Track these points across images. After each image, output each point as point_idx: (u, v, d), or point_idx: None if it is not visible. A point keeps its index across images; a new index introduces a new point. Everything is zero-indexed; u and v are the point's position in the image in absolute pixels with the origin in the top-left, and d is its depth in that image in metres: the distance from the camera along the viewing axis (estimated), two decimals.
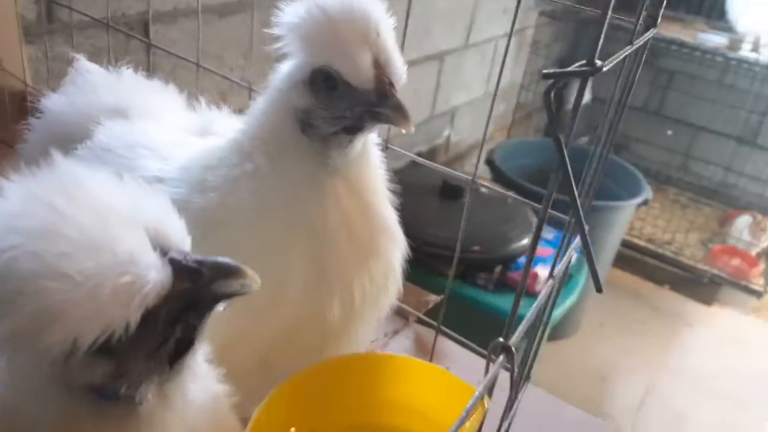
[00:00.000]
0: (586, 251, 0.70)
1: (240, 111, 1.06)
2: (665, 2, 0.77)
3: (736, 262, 4.27)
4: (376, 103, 0.82)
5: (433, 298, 1.42)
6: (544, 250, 2.79)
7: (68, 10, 1.62)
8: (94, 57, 1.39)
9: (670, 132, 4.91)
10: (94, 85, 1.20)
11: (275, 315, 0.88)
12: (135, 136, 1.02)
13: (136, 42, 1.80)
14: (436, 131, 3.74)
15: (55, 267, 0.49)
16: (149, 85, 1.22)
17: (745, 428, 3.38)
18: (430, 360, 1.20)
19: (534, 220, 2.85)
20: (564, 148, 0.56)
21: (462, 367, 1.18)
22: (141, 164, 0.95)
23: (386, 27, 0.84)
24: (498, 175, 3.40)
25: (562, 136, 0.56)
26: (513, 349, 0.58)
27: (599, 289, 0.75)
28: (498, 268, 2.66)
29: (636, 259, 4.31)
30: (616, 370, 3.55)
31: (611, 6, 0.53)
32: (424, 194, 2.80)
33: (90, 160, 0.99)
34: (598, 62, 0.54)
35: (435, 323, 1.24)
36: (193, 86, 1.25)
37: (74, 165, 0.58)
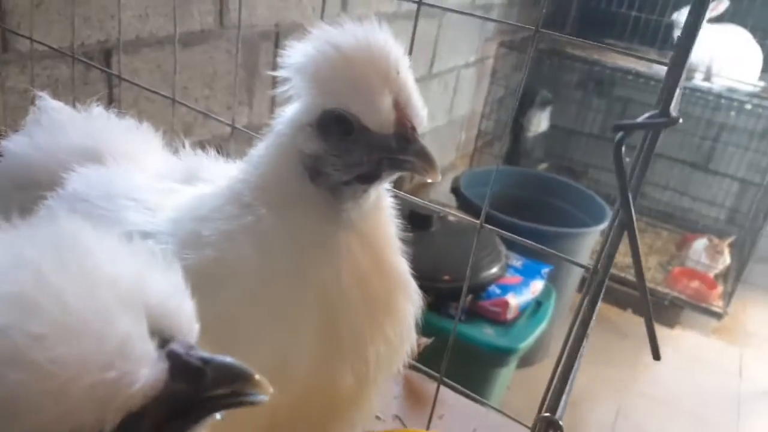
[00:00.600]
0: (647, 318, 0.67)
1: (203, 144, 1.01)
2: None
3: (695, 284, 4.34)
4: (397, 149, 0.75)
5: (423, 341, 1.35)
6: (513, 278, 2.79)
7: (24, 39, 1.55)
8: (52, 89, 1.33)
9: (627, 159, 5.00)
10: (62, 125, 1.10)
11: (281, 388, 0.77)
12: (115, 183, 0.93)
13: (96, 73, 1.74)
14: None
15: (23, 351, 0.39)
16: (123, 124, 1.13)
17: None
18: (431, 410, 1.12)
19: (502, 248, 2.85)
20: (631, 204, 0.53)
21: (457, 414, 1.14)
22: (124, 217, 0.85)
23: (405, 65, 0.77)
24: (464, 203, 3.40)
25: (629, 193, 0.52)
26: (561, 423, 0.54)
27: (657, 357, 0.74)
28: (469, 298, 2.64)
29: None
30: (586, 394, 3.55)
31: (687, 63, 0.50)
32: None
33: (63, 210, 0.89)
34: (673, 114, 0.52)
35: (437, 375, 1.14)
36: (156, 119, 1.19)
37: (78, 221, 0.48)
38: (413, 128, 0.76)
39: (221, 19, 2.02)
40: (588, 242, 3.51)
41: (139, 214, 0.86)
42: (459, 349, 2.45)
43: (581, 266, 0.95)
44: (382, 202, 0.86)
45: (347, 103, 0.75)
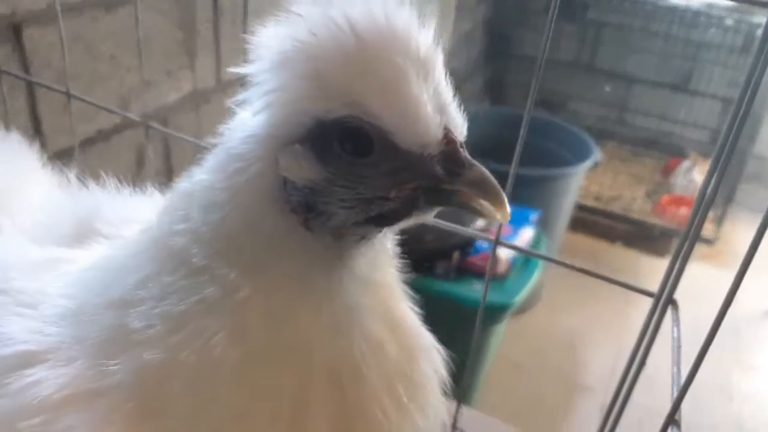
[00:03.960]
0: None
1: (147, 118, 0.74)
2: None
3: (683, 211, 4.24)
4: (444, 177, 0.52)
5: None
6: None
7: None
8: None
9: (608, 88, 4.83)
10: None
11: None
12: None
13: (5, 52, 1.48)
14: None
15: None
16: None
17: (710, 376, 3.35)
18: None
19: None
20: None
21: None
22: None
23: (440, 57, 0.54)
24: None
25: None
26: None
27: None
28: (456, 254, 2.47)
29: (586, 220, 4.22)
30: (583, 337, 3.46)
31: None
32: None
33: None
34: None
35: (456, 396, 0.96)
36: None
37: None
38: (461, 145, 0.53)
39: None
40: (575, 182, 3.34)
41: (17, 322, 0.58)
42: (449, 310, 2.32)
43: (647, 293, 0.83)
44: (385, 239, 0.64)
45: (371, 110, 0.50)
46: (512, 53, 4.94)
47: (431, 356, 0.68)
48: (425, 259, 2.43)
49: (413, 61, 0.51)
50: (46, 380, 0.52)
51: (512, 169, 0.83)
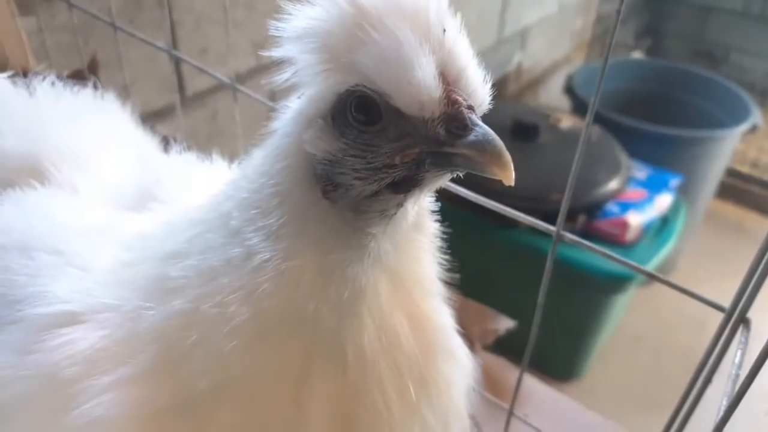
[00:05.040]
0: None
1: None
2: None
3: None
4: (446, 138, 0.52)
5: (504, 324, 1.07)
6: (635, 193, 2.44)
7: None
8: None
9: None
10: None
11: None
12: (34, 227, 0.68)
13: None
14: (504, 58, 3.34)
15: None
16: (76, 105, 0.85)
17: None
18: (511, 408, 0.89)
19: (623, 157, 2.48)
20: None
21: (546, 414, 0.91)
22: (42, 291, 0.61)
23: (454, 21, 0.54)
24: (579, 106, 3.00)
25: None
26: None
27: None
28: (581, 217, 2.33)
29: (738, 188, 3.84)
30: (716, 315, 3.20)
31: None
32: None
33: None
34: None
35: (518, 365, 0.91)
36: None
37: None
38: (470, 107, 0.52)
39: None
40: (725, 146, 3.02)
41: (66, 282, 0.61)
42: (570, 277, 2.22)
43: (718, 307, 0.71)
44: (423, 221, 0.63)
45: (371, 77, 0.52)
46: None
47: (454, 360, 0.66)
48: (548, 219, 2.32)
49: (417, 27, 0.51)
50: (80, 340, 0.57)
51: (566, 196, 0.74)
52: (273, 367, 0.56)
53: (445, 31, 0.52)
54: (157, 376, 0.55)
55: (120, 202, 0.75)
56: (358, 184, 0.55)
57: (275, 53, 0.56)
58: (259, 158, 0.60)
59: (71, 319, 0.58)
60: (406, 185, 0.55)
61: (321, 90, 0.56)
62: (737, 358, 0.61)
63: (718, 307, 0.68)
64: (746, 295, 0.63)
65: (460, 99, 0.51)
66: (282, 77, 0.57)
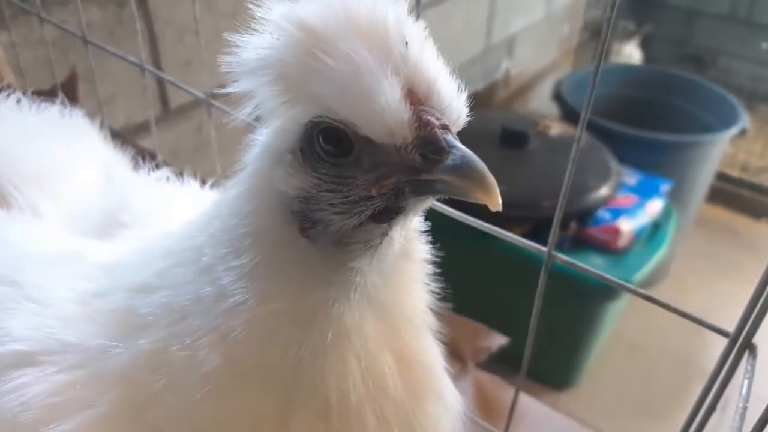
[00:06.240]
0: None
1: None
2: None
3: None
4: (423, 166, 0.48)
5: (497, 341, 1.04)
6: (625, 199, 2.43)
7: None
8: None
9: (765, 45, 4.30)
10: None
11: None
12: None
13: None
14: (492, 65, 3.33)
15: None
16: (39, 123, 0.82)
17: None
18: (507, 426, 0.86)
19: (613, 163, 2.47)
20: None
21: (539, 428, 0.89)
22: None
23: (417, 31, 0.50)
24: (568, 112, 2.99)
25: None
26: None
27: None
28: (573, 225, 2.31)
29: (729, 192, 3.84)
30: (711, 319, 3.18)
31: None
32: (480, 144, 2.46)
33: None
34: None
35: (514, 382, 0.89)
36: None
37: None
38: (444, 127, 0.48)
39: None
40: (717, 151, 3.01)
41: (23, 318, 0.57)
42: (563, 285, 2.18)
43: (722, 332, 0.69)
44: (412, 247, 0.59)
45: (332, 107, 0.48)
46: (662, 2, 4.52)
47: (443, 403, 0.62)
48: (540, 227, 2.30)
49: (376, 45, 0.47)
50: (33, 384, 0.53)
51: (557, 214, 0.72)
52: (247, 416, 0.52)
53: (407, 44, 0.47)
54: (123, 421, 0.52)
55: (84, 228, 0.71)
56: (338, 219, 0.51)
57: (233, 89, 0.52)
58: (232, 194, 0.56)
59: (24, 360, 0.54)
60: (388, 214, 0.51)
61: (285, 122, 0.53)
62: (744, 390, 0.57)
63: (722, 333, 0.65)
64: (752, 320, 0.59)
65: (431, 120, 0.47)
66: (244, 112, 0.53)
